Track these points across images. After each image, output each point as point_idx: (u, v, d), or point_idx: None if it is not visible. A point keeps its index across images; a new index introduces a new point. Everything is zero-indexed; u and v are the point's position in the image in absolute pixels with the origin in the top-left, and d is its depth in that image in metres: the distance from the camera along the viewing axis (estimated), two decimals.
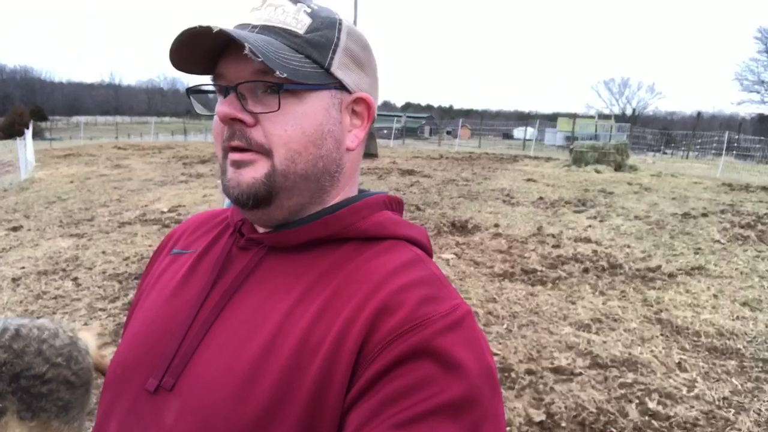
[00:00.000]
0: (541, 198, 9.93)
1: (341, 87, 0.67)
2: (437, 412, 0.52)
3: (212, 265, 0.71)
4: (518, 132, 50.31)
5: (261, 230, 0.71)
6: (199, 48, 0.62)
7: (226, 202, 6.80)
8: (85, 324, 3.97)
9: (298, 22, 0.64)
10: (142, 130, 42.76)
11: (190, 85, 0.71)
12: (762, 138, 27.49)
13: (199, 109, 0.71)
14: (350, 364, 0.57)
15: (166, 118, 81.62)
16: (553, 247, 6.41)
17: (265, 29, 0.63)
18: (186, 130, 38.13)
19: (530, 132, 35.00)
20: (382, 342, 0.56)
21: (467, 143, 33.06)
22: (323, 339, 0.58)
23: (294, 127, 0.63)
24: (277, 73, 0.58)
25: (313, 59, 0.64)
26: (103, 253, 5.82)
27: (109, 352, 3.36)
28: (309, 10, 0.65)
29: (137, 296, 0.82)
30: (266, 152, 0.63)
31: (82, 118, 59.15)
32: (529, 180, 12.58)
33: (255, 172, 0.64)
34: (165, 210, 8.27)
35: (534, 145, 27.83)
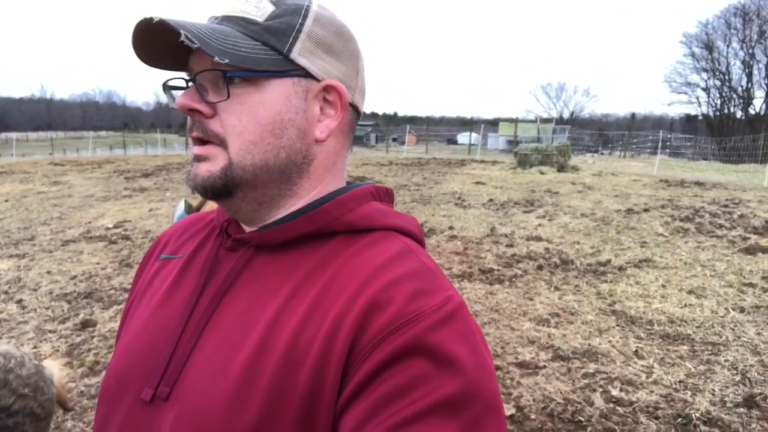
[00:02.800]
0: (491, 200, 10.14)
1: (307, 75, 0.64)
2: (433, 410, 0.51)
3: (200, 268, 0.69)
4: (462, 137, 51.25)
5: (248, 230, 0.70)
6: (162, 43, 0.62)
7: (177, 215, 6.59)
8: (35, 348, 3.79)
9: (259, 9, 0.63)
10: (79, 145, 41.16)
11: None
12: (691, 136, 29.02)
13: (171, 104, 0.69)
14: (341, 364, 0.55)
15: (103, 132, 78.89)
16: (507, 246, 6.55)
17: (225, 19, 0.63)
18: (125, 144, 36.89)
19: (474, 137, 35.72)
20: (372, 341, 0.54)
21: (414, 149, 33.41)
22: (313, 339, 0.56)
23: (248, 116, 0.62)
24: (216, 58, 0.57)
25: (271, 46, 0.62)
26: (48, 272, 5.56)
27: (65, 374, 3.21)
28: None
29: (128, 305, 0.80)
30: (223, 143, 0.63)
31: (13, 134, 56.22)
32: (478, 183, 12.82)
33: (212, 165, 0.63)
34: (110, 226, 7.97)
35: (479, 149, 28.39)
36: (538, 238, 6.91)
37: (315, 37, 0.64)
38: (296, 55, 0.63)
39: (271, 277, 0.64)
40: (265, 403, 0.55)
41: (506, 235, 7.09)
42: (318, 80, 0.65)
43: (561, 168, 15.51)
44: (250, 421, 0.55)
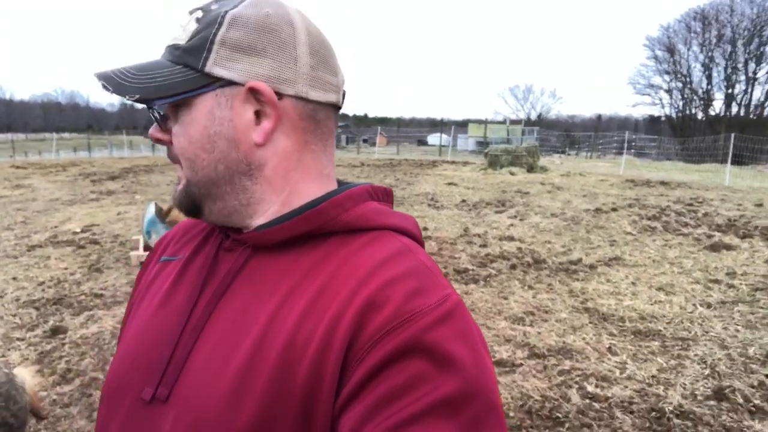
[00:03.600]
0: (463, 200, 10.23)
1: (230, 83, 0.63)
2: (432, 410, 0.51)
3: (199, 269, 0.70)
4: (432, 138, 51.57)
5: (245, 230, 0.70)
6: None
7: (147, 219, 6.43)
8: (2, 356, 3.68)
9: (185, 32, 0.64)
10: (41, 148, 39.95)
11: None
12: (655, 137, 29.75)
13: None
14: (338, 364, 0.54)
15: (67, 134, 76.88)
16: (480, 246, 6.62)
17: (165, 50, 0.67)
18: (90, 146, 36.00)
19: (444, 138, 35.96)
20: (370, 340, 0.54)
21: (385, 150, 33.49)
22: (310, 339, 0.56)
23: (184, 137, 0.65)
24: (127, 97, 0.62)
25: (190, 66, 0.63)
26: (14, 279, 5.40)
27: (37, 381, 3.13)
28: (200, 15, 0.65)
29: (129, 307, 0.81)
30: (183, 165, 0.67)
31: None
32: (450, 184, 12.92)
33: (180, 186, 0.69)
34: (78, 230, 7.78)
35: (450, 150, 28.61)
36: (511, 238, 7.00)
37: (230, 42, 0.62)
38: (211, 67, 0.62)
39: (269, 277, 0.64)
40: (262, 403, 0.55)
41: (479, 236, 7.16)
42: (243, 85, 0.63)
43: (530, 169, 15.75)
44: (247, 422, 0.55)
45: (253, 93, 0.63)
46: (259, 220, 0.67)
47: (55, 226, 8.10)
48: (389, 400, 0.51)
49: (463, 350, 0.54)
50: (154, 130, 0.68)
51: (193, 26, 0.64)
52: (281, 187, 0.67)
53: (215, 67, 0.62)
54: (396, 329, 0.54)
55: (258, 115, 0.64)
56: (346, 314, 0.56)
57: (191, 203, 0.68)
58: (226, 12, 0.63)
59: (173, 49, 0.65)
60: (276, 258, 0.65)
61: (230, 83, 0.63)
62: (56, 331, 4.04)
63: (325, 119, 0.69)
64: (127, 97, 0.62)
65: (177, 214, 6.31)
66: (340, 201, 0.66)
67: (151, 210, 6.42)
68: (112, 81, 0.63)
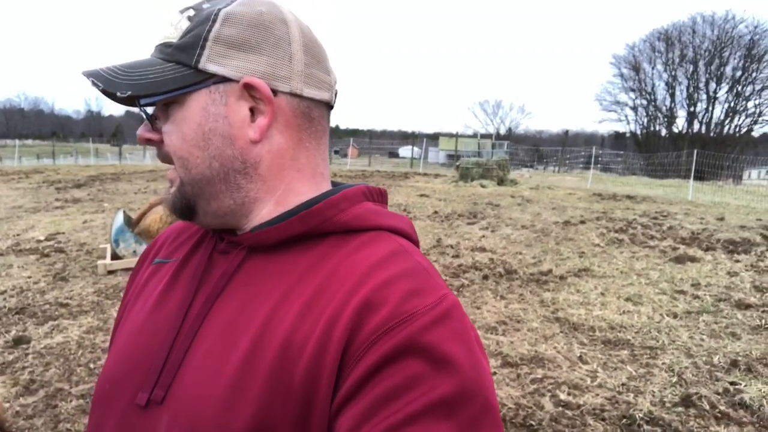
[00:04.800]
0: (436, 212, 10.29)
1: (225, 80, 0.63)
2: (429, 411, 0.51)
3: (193, 271, 0.69)
4: (404, 151, 51.83)
5: (239, 232, 0.69)
6: None
7: (116, 227, 6.31)
8: None
9: (176, 30, 0.64)
10: (3, 154, 38.81)
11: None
12: (621, 152, 30.49)
13: None
14: (335, 365, 0.54)
15: (30, 141, 74.98)
16: (453, 257, 6.66)
17: (155, 49, 0.66)
18: (55, 153, 35.17)
19: (416, 151, 36.23)
20: (367, 341, 0.54)
21: (357, 162, 33.53)
22: (307, 340, 0.56)
23: (177, 135, 0.64)
24: (118, 94, 0.61)
25: (182, 63, 0.63)
26: None
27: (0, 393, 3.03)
28: (192, 14, 0.65)
29: (121, 310, 0.80)
30: (175, 165, 0.66)
31: None
32: (422, 195, 13.00)
33: (174, 187, 0.67)
34: (42, 238, 7.56)
35: (421, 163, 28.81)
36: (483, 249, 7.07)
37: (225, 38, 0.62)
38: (205, 63, 0.62)
39: (264, 278, 0.63)
40: (259, 404, 0.55)
41: (452, 246, 7.21)
42: (237, 82, 0.63)
43: (501, 182, 15.97)
44: (244, 423, 0.54)
45: (249, 89, 0.63)
46: (254, 221, 0.67)
47: (18, 234, 7.87)
48: (386, 400, 0.51)
49: (459, 351, 0.55)
50: (143, 131, 0.67)
51: (186, 24, 0.64)
52: (276, 185, 0.67)
53: (209, 63, 0.62)
54: (393, 330, 0.54)
55: (253, 111, 0.64)
56: (343, 314, 0.56)
57: (185, 204, 0.67)
58: (220, 10, 0.63)
59: (164, 47, 0.65)
60: (272, 259, 0.65)
61: (224, 80, 0.63)
62: (19, 341, 3.91)
63: (319, 117, 0.69)
64: (118, 93, 0.61)
65: (147, 224, 6.20)
66: (336, 201, 0.66)
67: (120, 218, 6.29)
68: (101, 77, 0.62)
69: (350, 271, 0.60)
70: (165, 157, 0.67)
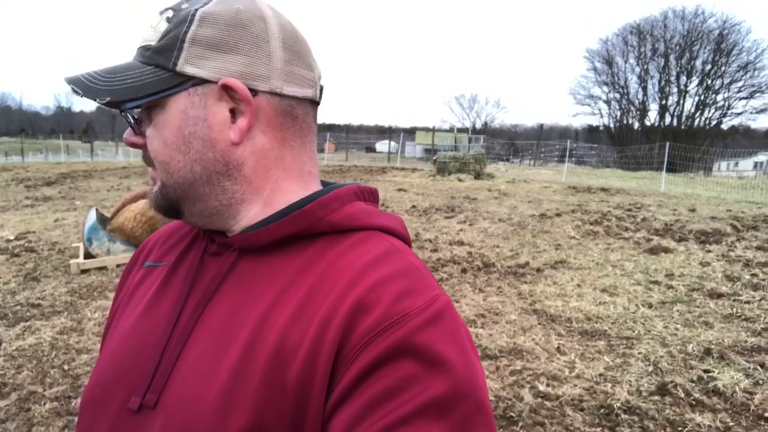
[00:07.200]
0: (414, 206, 10.31)
1: (203, 81, 0.62)
2: (422, 412, 0.51)
3: (185, 274, 0.68)
4: (381, 145, 51.85)
5: (229, 233, 0.69)
6: None
7: (89, 225, 6.19)
8: None
9: (156, 32, 0.63)
10: None
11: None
12: (595, 146, 30.91)
13: None
14: (328, 367, 0.54)
15: None
16: (431, 251, 6.68)
17: (137, 52, 0.66)
18: (24, 151, 34.38)
19: (393, 145, 36.22)
20: (359, 342, 0.54)
21: (334, 156, 33.44)
22: (300, 341, 0.56)
23: (158, 139, 0.64)
24: (97, 100, 0.61)
25: (161, 66, 0.62)
26: None
27: None
28: (171, 15, 0.64)
29: (111, 314, 0.79)
30: (158, 167, 0.66)
31: None
32: (400, 190, 13.01)
33: (155, 187, 0.67)
34: (11, 238, 7.39)
35: (398, 157, 28.84)
36: (461, 243, 7.11)
37: (201, 39, 0.61)
38: (183, 65, 0.61)
39: (257, 280, 0.63)
40: (253, 407, 0.54)
41: (430, 241, 7.23)
42: (216, 83, 0.62)
43: (477, 175, 16.05)
44: (238, 427, 0.54)
45: (227, 90, 0.62)
46: (242, 222, 0.67)
47: None
48: (379, 402, 0.51)
49: (452, 351, 0.55)
50: (128, 135, 0.67)
51: (164, 26, 0.63)
52: (262, 186, 0.66)
53: (186, 65, 0.61)
54: (385, 331, 0.54)
55: (233, 113, 0.63)
56: (335, 316, 0.56)
57: (169, 205, 0.67)
58: (197, 10, 0.62)
59: (144, 50, 0.64)
60: (264, 260, 0.64)
61: (203, 81, 0.62)
62: None
63: (303, 115, 0.68)
64: (98, 99, 0.61)
65: (121, 221, 6.09)
66: (327, 201, 0.66)
67: (93, 216, 6.17)
68: (81, 84, 0.62)
69: (342, 272, 0.60)
70: (149, 161, 0.67)
